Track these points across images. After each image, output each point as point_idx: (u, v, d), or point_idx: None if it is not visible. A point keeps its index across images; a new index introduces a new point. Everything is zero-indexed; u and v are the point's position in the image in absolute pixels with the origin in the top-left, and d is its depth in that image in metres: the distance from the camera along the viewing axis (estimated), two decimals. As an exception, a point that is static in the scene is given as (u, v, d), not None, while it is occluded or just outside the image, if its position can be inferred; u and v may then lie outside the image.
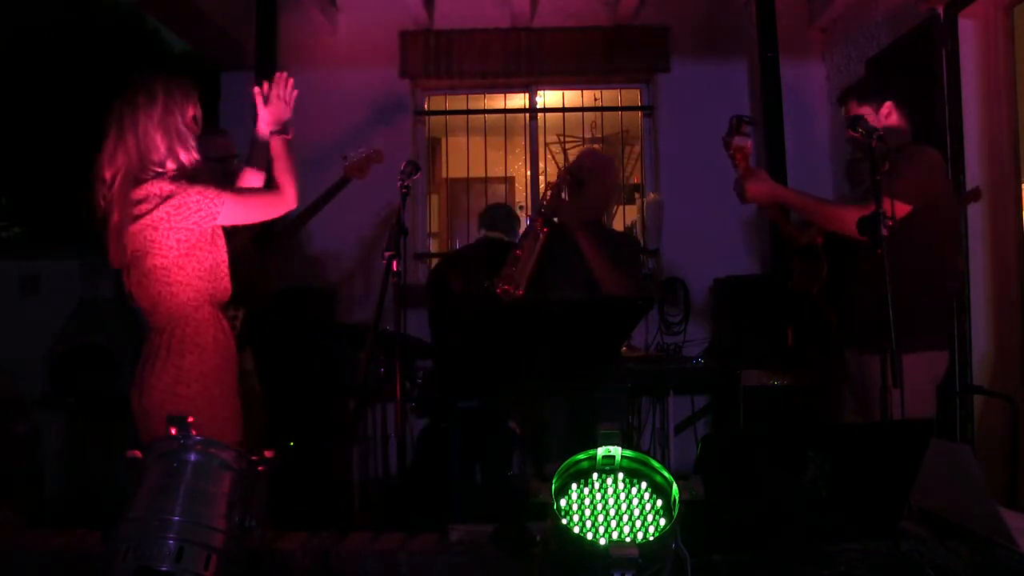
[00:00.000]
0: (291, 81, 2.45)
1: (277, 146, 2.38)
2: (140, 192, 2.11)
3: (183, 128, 2.20)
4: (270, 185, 2.39)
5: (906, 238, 2.46)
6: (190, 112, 2.24)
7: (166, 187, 2.11)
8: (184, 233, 2.13)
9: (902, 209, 2.49)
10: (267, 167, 2.46)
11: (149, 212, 2.10)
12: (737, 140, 2.87)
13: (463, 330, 2.58)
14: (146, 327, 2.23)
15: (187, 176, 2.17)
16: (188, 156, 2.20)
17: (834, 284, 2.88)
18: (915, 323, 2.41)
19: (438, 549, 2.13)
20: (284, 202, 2.32)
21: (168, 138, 2.17)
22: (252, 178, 2.48)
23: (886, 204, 2.32)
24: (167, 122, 2.17)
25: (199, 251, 2.17)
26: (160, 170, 2.15)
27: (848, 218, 2.57)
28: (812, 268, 3.03)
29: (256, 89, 2.44)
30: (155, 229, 2.11)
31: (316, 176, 3.36)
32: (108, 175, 2.16)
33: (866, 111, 2.77)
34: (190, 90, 2.26)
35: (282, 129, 2.40)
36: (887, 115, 2.76)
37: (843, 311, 2.84)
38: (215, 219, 2.16)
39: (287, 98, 2.43)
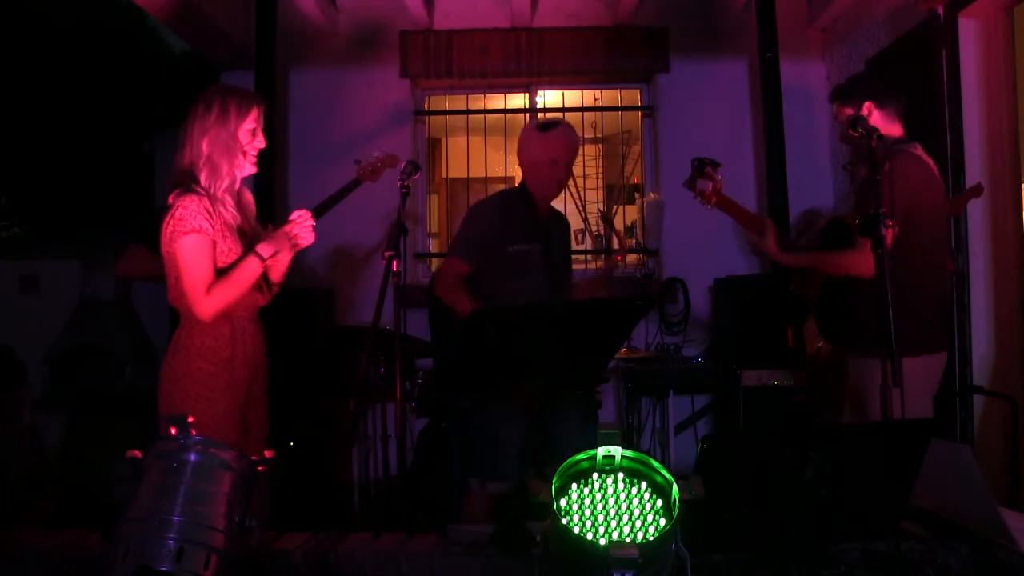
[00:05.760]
0: (307, 220, 2.32)
1: (247, 263, 2.23)
2: (169, 198, 2.22)
3: (232, 140, 2.23)
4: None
5: (895, 246, 2.44)
6: (246, 126, 2.26)
7: (172, 199, 2.20)
8: (168, 246, 2.20)
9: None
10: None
11: (165, 218, 2.20)
12: (700, 184, 2.84)
13: (462, 330, 2.57)
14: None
15: (210, 190, 2.22)
16: (229, 167, 2.25)
17: (831, 289, 2.87)
18: (911, 327, 2.39)
19: (438, 549, 2.13)
20: (200, 304, 2.17)
21: (212, 147, 2.22)
22: (248, 264, 2.24)
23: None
24: (215, 132, 2.22)
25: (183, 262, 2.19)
26: (196, 178, 2.21)
27: (846, 261, 2.62)
28: (811, 272, 3.03)
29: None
30: (163, 233, 2.21)
31: (317, 174, 3.36)
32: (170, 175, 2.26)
33: (849, 112, 2.71)
34: (250, 104, 2.28)
35: (261, 255, 2.24)
36: (867, 115, 2.66)
37: (840, 315, 2.83)
38: (172, 244, 2.17)
39: (295, 235, 2.30)
